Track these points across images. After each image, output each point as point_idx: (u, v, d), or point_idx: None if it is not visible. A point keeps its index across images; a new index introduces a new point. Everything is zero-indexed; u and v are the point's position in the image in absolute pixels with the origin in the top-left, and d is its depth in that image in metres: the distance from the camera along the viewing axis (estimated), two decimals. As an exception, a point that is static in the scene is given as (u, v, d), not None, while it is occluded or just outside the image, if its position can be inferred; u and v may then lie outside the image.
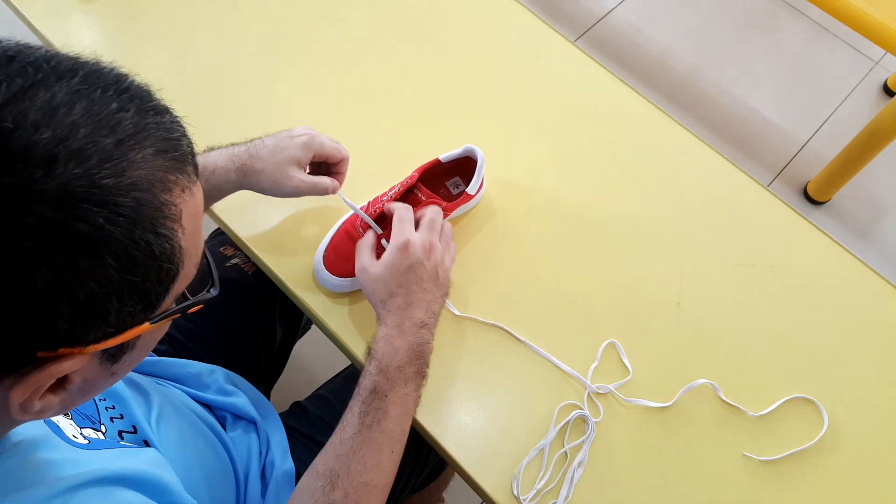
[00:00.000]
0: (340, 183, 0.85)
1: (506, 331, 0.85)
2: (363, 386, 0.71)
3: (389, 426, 0.70)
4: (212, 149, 0.81)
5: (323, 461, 0.69)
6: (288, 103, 0.99)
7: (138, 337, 0.47)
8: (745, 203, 0.97)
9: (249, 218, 0.89)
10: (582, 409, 0.81)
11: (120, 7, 1.05)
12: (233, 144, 0.81)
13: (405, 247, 0.76)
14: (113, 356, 0.47)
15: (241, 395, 0.83)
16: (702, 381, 0.83)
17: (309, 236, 0.88)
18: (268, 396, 0.97)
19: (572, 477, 0.78)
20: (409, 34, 1.07)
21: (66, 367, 0.43)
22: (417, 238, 0.77)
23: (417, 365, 0.73)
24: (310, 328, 1.11)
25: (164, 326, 0.50)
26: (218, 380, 0.83)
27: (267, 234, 0.88)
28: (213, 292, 0.53)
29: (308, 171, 0.83)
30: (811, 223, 0.96)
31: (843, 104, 1.91)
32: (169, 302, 0.48)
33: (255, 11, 1.07)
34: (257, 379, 0.93)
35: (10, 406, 0.43)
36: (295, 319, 1.00)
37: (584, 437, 0.80)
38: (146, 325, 0.46)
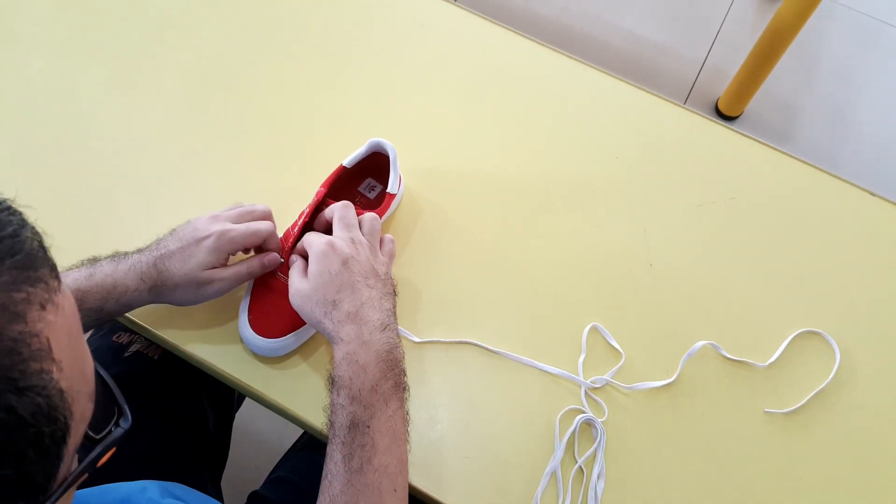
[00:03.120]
0: (277, 256, 0.70)
1: (476, 345, 0.73)
2: (337, 424, 0.57)
3: (383, 461, 0.57)
4: (114, 257, 0.65)
5: None
6: (150, 151, 0.83)
7: None
8: (682, 136, 0.89)
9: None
10: (584, 411, 0.71)
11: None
12: (137, 251, 0.66)
13: (328, 248, 0.63)
14: None
15: (185, 508, 0.68)
16: (701, 343, 0.74)
17: (218, 299, 0.73)
18: (218, 493, 0.81)
19: (595, 494, 0.67)
20: (273, 39, 0.92)
21: None
22: (337, 237, 0.64)
23: (393, 377, 0.60)
24: (245, 398, 0.96)
25: (72, 494, 0.37)
26: (152, 497, 0.67)
27: (165, 309, 0.72)
28: (125, 425, 0.40)
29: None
30: (756, 140, 0.89)
31: (728, 14, 1.88)
32: (68, 463, 0.34)
33: (89, 49, 0.89)
34: (201, 477, 0.78)
35: None
36: (225, 395, 0.85)
37: (595, 445, 0.69)
38: None
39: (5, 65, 0.87)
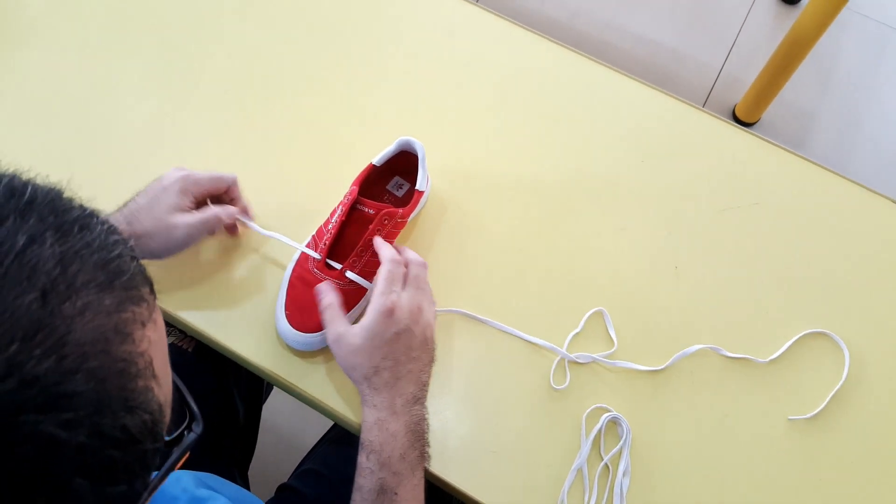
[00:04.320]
0: (238, 209, 0.72)
1: (498, 328, 0.75)
2: (366, 488, 0.60)
3: None
4: None
5: None
6: (183, 148, 0.84)
7: None
8: (707, 141, 0.89)
9: (175, 285, 0.74)
10: (609, 410, 0.72)
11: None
12: (109, 214, 0.68)
13: (390, 312, 0.63)
14: None
15: (219, 498, 0.69)
16: (697, 346, 0.76)
17: (252, 292, 0.75)
18: (246, 484, 0.83)
19: (621, 490, 0.69)
20: (304, 43, 0.94)
21: None
22: (405, 301, 0.65)
23: (420, 447, 0.63)
24: (272, 389, 0.98)
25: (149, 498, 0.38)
26: (187, 488, 0.69)
27: (202, 301, 0.74)
28: (197, 430, 0.41)
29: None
30: (781, 147, 0.90)
31: (746, 21, 1.90)
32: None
33: (124, 46, 0.91)
34: (229, 468, 0.79)
35: None
36: (255, 387, 0.87)
37: (621, 443, 0.71)
38: None
39: (46, 61, 0.89)
